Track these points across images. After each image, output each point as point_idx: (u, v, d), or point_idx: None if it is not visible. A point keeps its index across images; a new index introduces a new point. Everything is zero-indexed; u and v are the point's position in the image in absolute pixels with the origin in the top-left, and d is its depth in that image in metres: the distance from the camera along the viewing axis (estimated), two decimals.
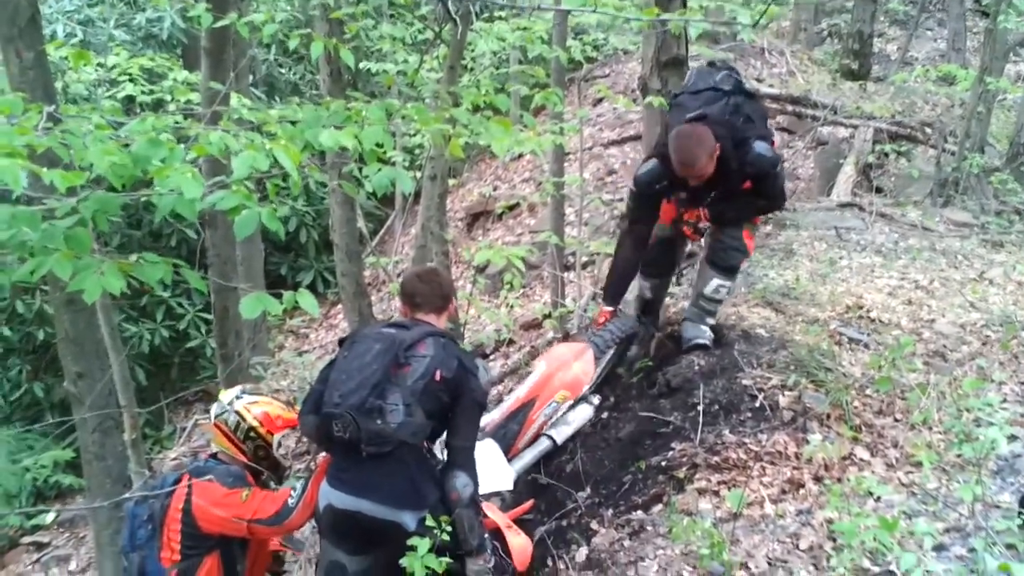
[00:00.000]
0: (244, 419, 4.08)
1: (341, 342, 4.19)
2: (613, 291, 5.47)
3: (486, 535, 4.02)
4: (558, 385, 4.99)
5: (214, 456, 4.15)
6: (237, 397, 4.15)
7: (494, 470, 4.60)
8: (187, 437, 10.48)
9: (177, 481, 3.99)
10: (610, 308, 5.44)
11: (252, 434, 4.09)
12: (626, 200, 5.50)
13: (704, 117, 4.84)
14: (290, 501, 3.94)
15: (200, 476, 3.96)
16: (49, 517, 9.71)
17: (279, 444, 4.18)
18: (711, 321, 5.37)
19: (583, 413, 5.20)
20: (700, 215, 5.10)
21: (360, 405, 3.78)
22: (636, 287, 5.62)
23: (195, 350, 10.55)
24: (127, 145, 2.75)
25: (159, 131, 2.78)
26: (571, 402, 5.09)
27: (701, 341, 5.27)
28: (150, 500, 4.01)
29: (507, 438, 4.91)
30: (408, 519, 3.79)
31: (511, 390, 5.69)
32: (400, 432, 3.78)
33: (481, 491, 4.14)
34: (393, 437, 3.78)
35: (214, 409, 4.17)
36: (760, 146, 4.87)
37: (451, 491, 3.89)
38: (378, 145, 3.15)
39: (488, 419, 4.83)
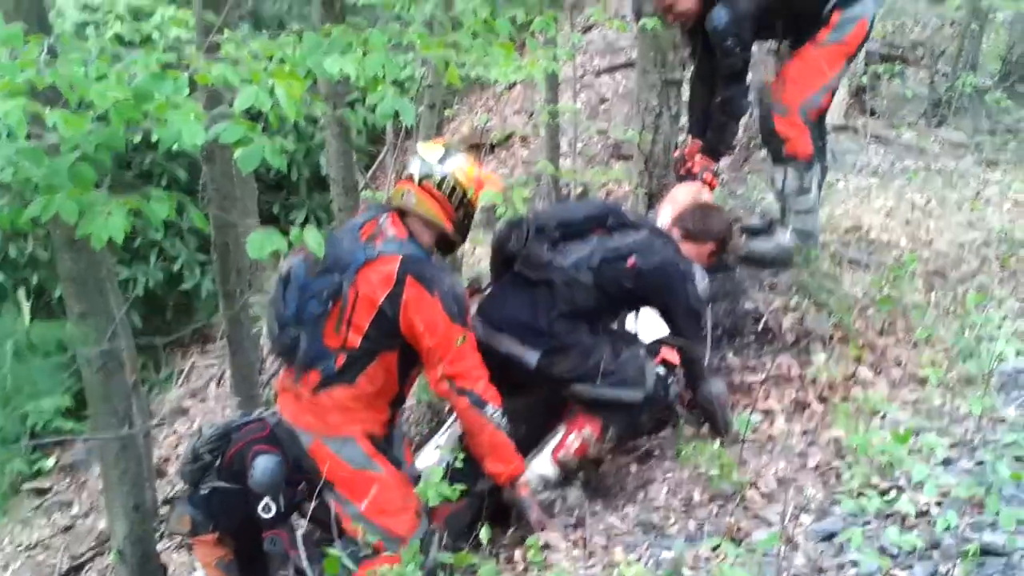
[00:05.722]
0: (460, 183, 3.71)
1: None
2: (698, 127, 5.17)
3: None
4: None
5: (404, 226, 3.68)
6: (444, 157, 3.75)
7: (651, 320, 4.57)
8: (185, 379, 10.49)
9: (364, 264, 3.54)
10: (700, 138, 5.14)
11: (465, 200, 3.75)
12: None
13: None
14: (490, 404, 3.63)
15: (420, 277, 3.53)
16: (50, 462, 9.75)
17: None
18: (791, 222, 5.10)
19: None
20: None
21: (525, 238, 4.03)
22: None
23: (190, 292, 10.48)
24: (128, 80, 2.70)
25: (162, 64, 2.72)
26: None
27: (754, 256, 5.15)
28: (333, 274, 3.56)
29: None
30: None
31: None
32: (557, 274, 3.99)
33: (648, 339, 4.33)
34: (549, 266, 4.01)
35: (417, 167, 3.73)
36: (718, 12, 4.56)
37: (710, 399, 4.10)
38: (381, 72, 3.11)
39: None
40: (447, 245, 3.89)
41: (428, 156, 3.75)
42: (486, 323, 4.07)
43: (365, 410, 3.69)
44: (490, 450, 3.65)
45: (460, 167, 3.74)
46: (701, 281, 4.16)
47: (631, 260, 3.95)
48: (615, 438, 4.20)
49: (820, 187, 5.28)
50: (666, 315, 4.20)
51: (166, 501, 4.44)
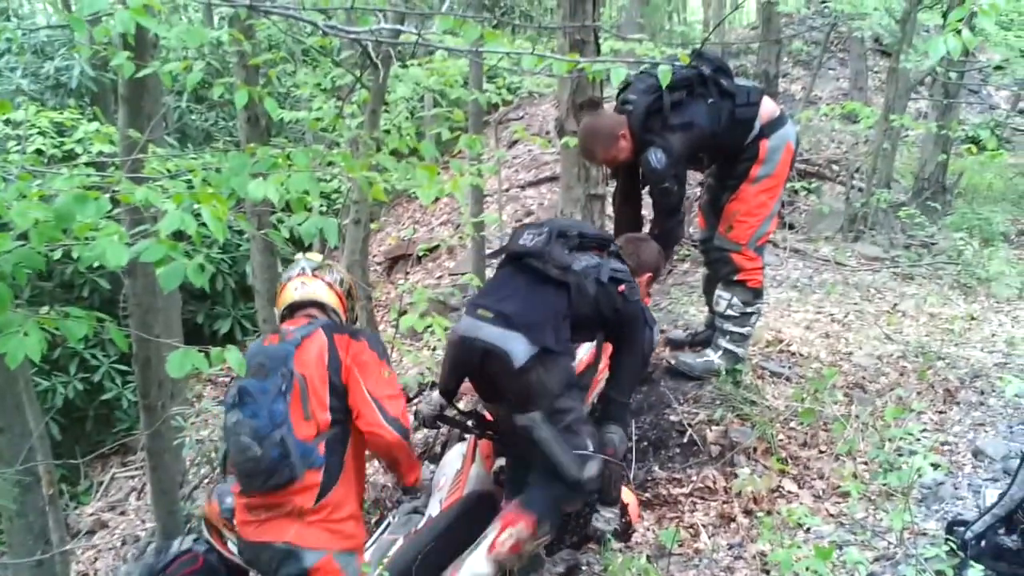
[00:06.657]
0: (352, 288, 4.06)
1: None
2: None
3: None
4: None
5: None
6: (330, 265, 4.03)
7: None
8: (104, 491, 10.22)
9: (295, 350, 3.63)
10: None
11: (352, 303, 4.06)
12: None
13: (626, 103, 4.80)
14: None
15: (343, 331, 3.74)
16: None
17: None
18: (724, 343, 5.23)
19: None
20: None
21: (549, 237, 4.08)
22: None
23: (110, 402, 10.29)
24: (48, 198, 2.68)
25: (85, 186, 2.71)
26: None
27: (679, 367, 5.29)
28: (277, 370, 3.58)
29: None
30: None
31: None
32: (573, 276, 4.01)
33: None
34: (570, 269, 4.03)
35: (308, 265, 3.95)
36: (655, 155, 4.67)
37: (607, 445, 4.02)
38: (304, 192, 3.12)
39: None
40: None
41: (315, 259, 4.01)
42: (474, 312, 4.04)
43: (357, 518, 3.78)
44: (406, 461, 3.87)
45: (346, 272, 4.10)
46: (657, 334, 4.49)
47: (621, 287, 4.05)
48: (549, 532, 4.14)
49: (758, 319, 5.42)
50: (617, 348, 4.23)
51: None
